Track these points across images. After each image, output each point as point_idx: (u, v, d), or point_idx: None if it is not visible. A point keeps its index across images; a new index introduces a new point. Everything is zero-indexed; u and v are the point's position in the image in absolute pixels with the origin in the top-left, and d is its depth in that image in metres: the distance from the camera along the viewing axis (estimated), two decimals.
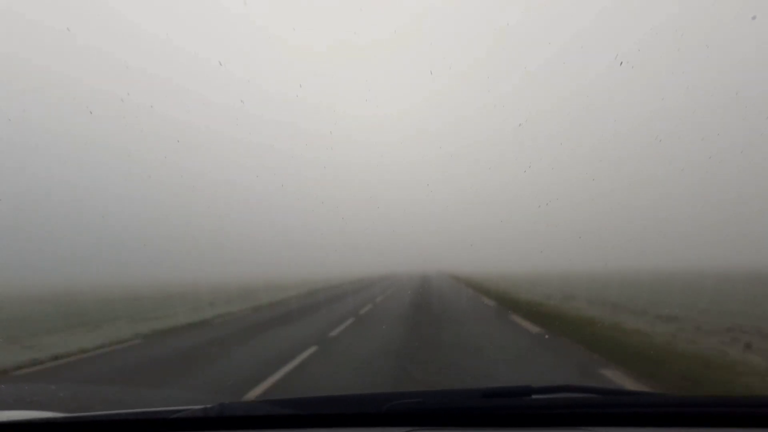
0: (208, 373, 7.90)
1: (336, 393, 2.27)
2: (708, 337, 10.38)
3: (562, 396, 2.06)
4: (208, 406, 2.05)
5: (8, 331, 15.15)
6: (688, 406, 1.96)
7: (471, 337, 10.80)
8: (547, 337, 10.50)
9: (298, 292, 31.99)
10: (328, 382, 7.12)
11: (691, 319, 13.17)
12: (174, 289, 43.79)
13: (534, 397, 2.01)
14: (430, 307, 19.31)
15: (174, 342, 11.97)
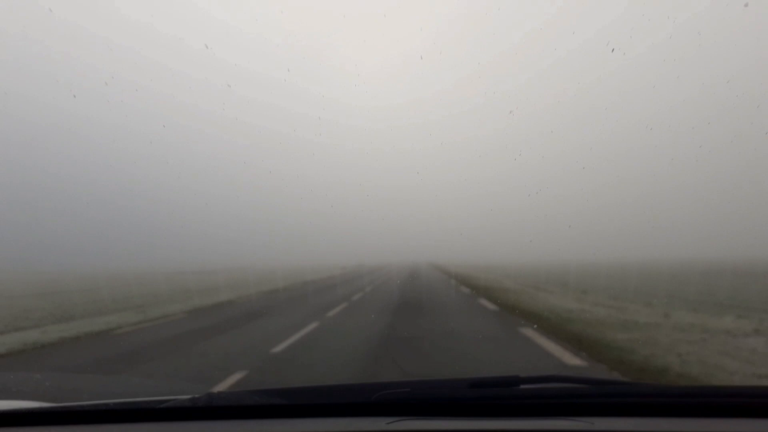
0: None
1: (326, 383, 2.27)
2: (566, 297, 19.94)
3: (550, 386, 2.07)
4: (196, 395, 2.05)
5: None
6: (675, 396, 1.98)
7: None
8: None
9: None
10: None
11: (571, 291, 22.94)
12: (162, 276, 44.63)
13: (522, 387, 2.02)
14: None
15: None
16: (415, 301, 18.94)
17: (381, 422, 1.81)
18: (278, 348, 9.22)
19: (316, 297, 21.61)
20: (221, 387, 6.40)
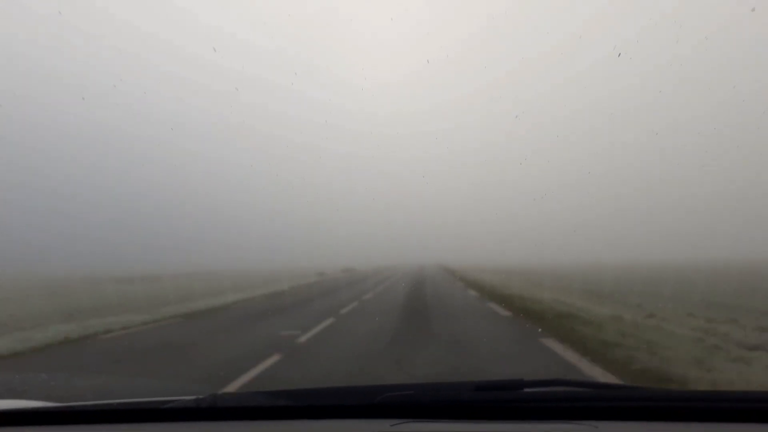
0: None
1: (329, 385, 2.26)
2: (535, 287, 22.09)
3: (554, 389, 2.07)
4: (200, 396, 2.05)
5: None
6: (679, 400, 1.97)
7: None
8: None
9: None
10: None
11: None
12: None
13: (525, 390, 2.02)
14: None
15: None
16: None
17: (385, 424, 1.81)
18: None
19: None
20: None
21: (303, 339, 10.09)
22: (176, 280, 42.60)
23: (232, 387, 6.59)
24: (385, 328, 11.40)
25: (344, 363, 8.00)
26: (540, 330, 10.44)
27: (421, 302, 18.51)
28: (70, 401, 2.21)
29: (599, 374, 6.77)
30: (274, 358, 8.17)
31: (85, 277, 52.37)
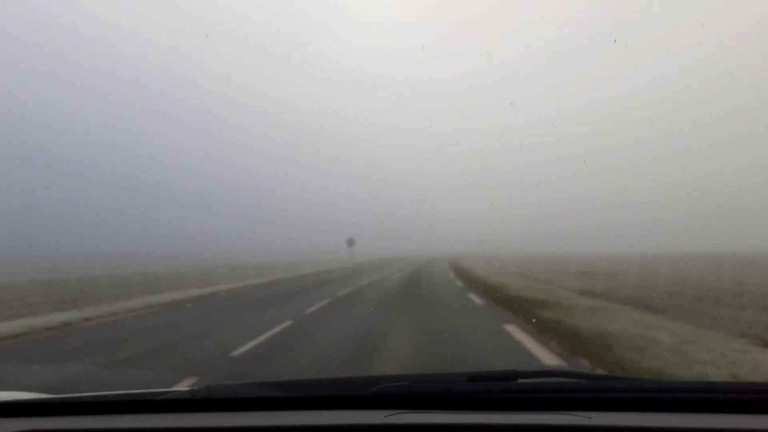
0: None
1: (324, 376, 2.28)
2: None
3: (548, 380, 2.08)
4: (195, 387, 2.05)
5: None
6: (672, 391, 1.99)
7: None
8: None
9: None
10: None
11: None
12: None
13: (519, 381, 2.04)
14: None
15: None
16: None
17: (379, 415, 1.82)
18: None
19: None
20: None
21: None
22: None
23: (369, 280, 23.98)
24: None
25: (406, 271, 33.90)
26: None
27: None
28: (64, 392, 2.20)
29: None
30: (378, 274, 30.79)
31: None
